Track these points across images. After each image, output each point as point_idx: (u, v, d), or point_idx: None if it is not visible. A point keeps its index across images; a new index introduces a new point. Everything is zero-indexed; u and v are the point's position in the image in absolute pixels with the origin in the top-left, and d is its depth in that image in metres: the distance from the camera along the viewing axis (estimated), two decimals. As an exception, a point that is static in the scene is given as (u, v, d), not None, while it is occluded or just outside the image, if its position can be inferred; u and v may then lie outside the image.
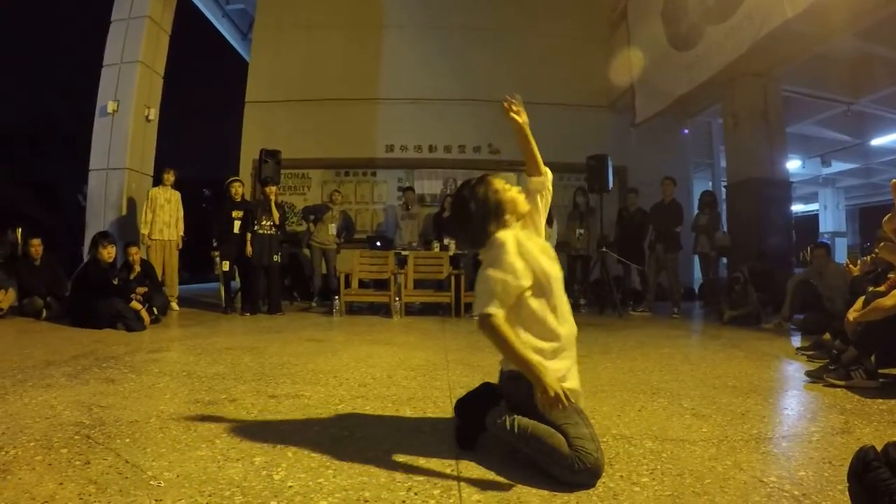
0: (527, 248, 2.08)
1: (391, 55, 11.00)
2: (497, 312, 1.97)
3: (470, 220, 2.19)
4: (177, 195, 7.80)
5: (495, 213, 2.17)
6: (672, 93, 8.75)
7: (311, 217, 8.71)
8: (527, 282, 2.02)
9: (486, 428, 2.13)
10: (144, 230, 7.49)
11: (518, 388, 2.05)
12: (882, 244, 3.62)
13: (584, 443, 1.88)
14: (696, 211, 9.20)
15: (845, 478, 1.59)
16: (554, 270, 2.11)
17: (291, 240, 9.05)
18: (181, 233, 7.80)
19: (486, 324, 1.97)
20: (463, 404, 2.29)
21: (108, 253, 5.94)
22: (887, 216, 3.28)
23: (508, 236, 2.09)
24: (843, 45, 7.68)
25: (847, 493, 1.58)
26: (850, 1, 6.13)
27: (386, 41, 11.09)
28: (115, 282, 5.89)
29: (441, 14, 11.00)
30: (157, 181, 7.98)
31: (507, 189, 2.22)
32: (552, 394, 1.86)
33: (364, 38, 11.05)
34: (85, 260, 6.72)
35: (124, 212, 8.34)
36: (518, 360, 1.95)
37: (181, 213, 7.81)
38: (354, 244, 9.28)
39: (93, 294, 5.65)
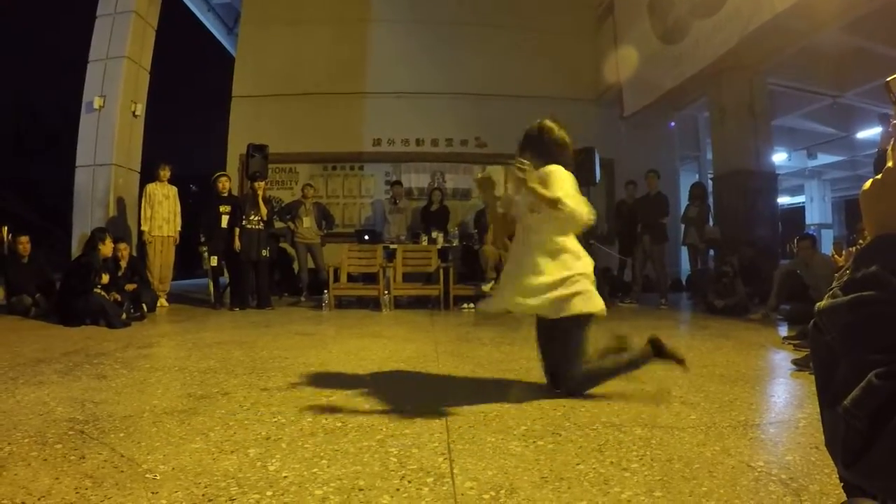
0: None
1: (378, 49, 10.94)
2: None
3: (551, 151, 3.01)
4: (174, 190, 7.74)
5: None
6: (660, 86, 8.78)
7: (287, 217, 8.66)
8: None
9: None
10: (145, 227, 7.43)
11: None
12: None
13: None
14: (683, 203, 9.25)
15: (832, 461, 1.62)
16: None
17: (276, 234, 9.03)
18: (178, 228, 7.75)
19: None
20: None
21: (107, 248, 5.99)
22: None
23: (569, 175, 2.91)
24: (830, 39, 7.73)
25: (835, 475, 1.61)
26: (838, -5, 6.17)
27: (372, 35, 11.03)
28: (105, 279, 5.86)
29: (427, 8, 10.95)
30: (151, 177, 7.83)
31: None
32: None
33: (351, 32, 10.99)
34: (73, 257, 6.69)
35: (111, 208, 8.26)
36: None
37: (178, 208, 7.76)
38: (342, 238, 9.26)
39: (75, 289, 5.62)
